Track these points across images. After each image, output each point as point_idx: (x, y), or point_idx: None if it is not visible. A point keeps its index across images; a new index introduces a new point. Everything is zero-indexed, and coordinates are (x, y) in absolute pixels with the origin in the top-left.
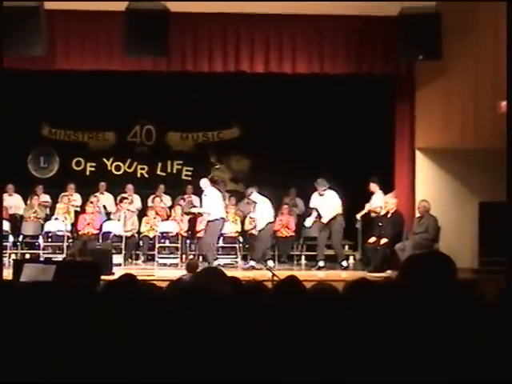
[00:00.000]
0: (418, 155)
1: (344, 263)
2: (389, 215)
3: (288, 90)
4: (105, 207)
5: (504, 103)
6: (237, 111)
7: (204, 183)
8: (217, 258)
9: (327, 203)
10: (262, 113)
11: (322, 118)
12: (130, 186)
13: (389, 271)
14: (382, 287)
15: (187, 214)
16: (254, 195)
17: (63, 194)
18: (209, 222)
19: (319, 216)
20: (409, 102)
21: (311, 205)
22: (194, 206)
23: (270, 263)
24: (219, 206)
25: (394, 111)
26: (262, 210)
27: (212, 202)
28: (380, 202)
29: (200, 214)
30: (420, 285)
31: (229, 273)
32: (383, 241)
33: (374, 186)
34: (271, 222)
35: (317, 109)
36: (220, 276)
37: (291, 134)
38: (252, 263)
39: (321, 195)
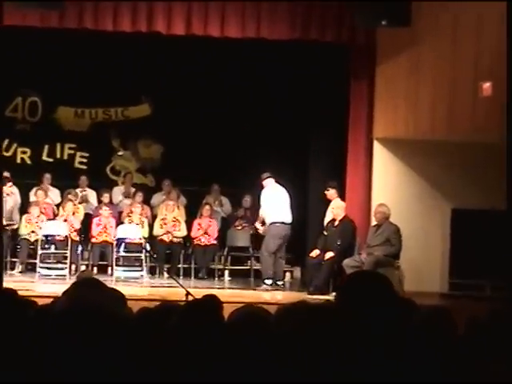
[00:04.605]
0: (377, 147)
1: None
2: (336, 223)
3: (214, 59)
4: None
5: (488, 84)
6: (148, 83)
7: (267, 182)
8: (275, 276)
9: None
10: (181, 86)
11: (256, 96)
12: (6, 174)
13: (334, 293)
14: (318, 313)
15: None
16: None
17: None
18: (269, 225)
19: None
20: (367, 79)
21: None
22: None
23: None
24: (281, 207)
25: (348, 90)
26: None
27: (270, 202)
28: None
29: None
30: (356, 310)
31: (134, 290)
32: (329, 255)
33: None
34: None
35: (250, 85)
36: (99, 287)
37: (217, 113)
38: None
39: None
